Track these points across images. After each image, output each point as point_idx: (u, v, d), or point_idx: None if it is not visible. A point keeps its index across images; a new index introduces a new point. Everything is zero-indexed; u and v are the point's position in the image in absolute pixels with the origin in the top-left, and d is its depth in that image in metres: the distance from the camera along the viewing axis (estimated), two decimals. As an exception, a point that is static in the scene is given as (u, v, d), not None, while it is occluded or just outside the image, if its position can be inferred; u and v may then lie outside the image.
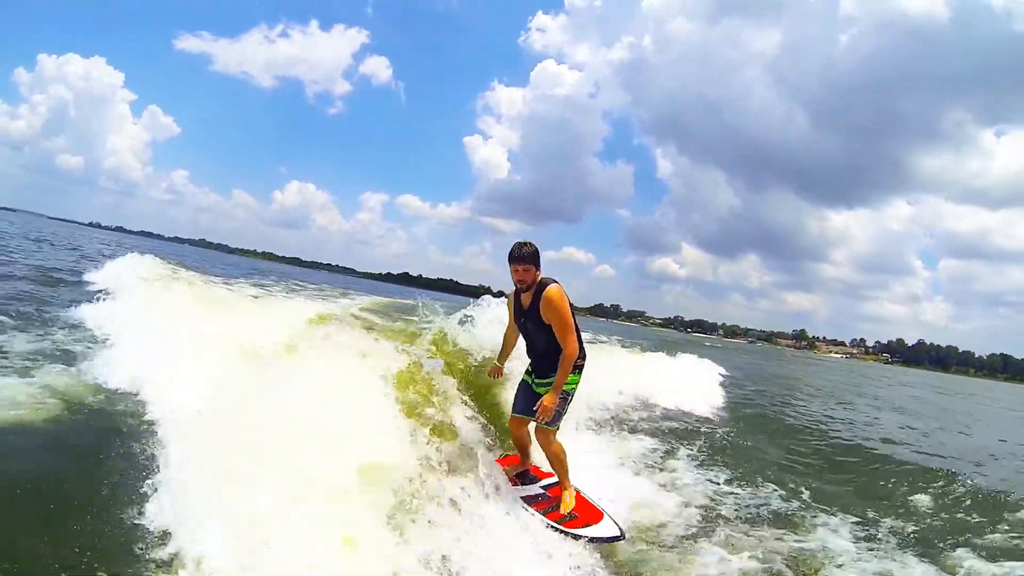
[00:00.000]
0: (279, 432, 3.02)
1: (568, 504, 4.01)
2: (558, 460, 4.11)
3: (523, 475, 4.41)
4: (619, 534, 3.84)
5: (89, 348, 5.77)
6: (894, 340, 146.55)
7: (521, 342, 4.36)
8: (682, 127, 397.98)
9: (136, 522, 2.82)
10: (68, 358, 5.31)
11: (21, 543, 2.59)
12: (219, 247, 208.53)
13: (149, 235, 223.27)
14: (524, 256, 3.79)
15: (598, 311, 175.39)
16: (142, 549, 2.63)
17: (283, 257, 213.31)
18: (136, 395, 4.65)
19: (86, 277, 11.45)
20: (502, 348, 4.50)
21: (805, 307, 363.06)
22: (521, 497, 4.07)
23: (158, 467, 3.27)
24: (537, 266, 3.85)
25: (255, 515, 2.60)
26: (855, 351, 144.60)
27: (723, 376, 13.40)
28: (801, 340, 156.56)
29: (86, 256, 19.09)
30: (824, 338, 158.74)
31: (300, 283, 23.44)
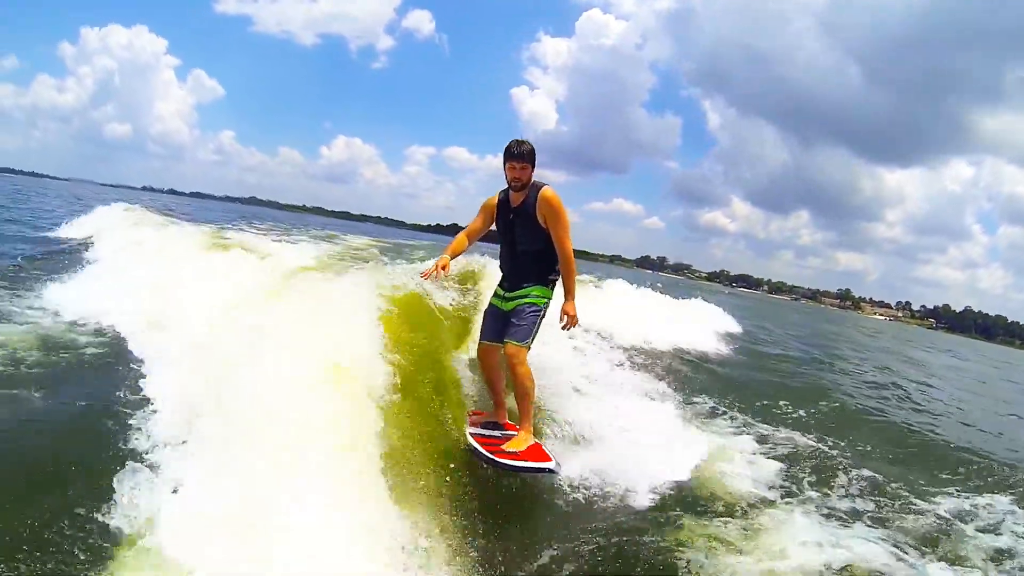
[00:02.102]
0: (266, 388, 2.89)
1: (517, 443, 3.51)
2: (524, 387, 3.65)
3: (490, 424, 3.92)
4: (551, 467, 3.39)
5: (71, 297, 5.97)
6: (940, 305, 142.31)
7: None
8: (730, 79, 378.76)
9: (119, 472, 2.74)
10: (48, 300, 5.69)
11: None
12: (269, 204, 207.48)
13: (200, 195, 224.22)
14: (523, 154, 3.61)
15: (644, 263, 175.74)
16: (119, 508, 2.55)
17: (332, 211, 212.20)
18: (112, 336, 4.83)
19: (70, 231, 12.13)
20: (454, 243, 3.92)
21: (856, 267, 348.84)
22: (470, 433, 3.64)
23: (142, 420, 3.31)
24: (533, 165, 3.67)
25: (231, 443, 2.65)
26: (900, 314, 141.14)
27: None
28: (846, 300, 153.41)
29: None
30: (870, 299, 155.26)
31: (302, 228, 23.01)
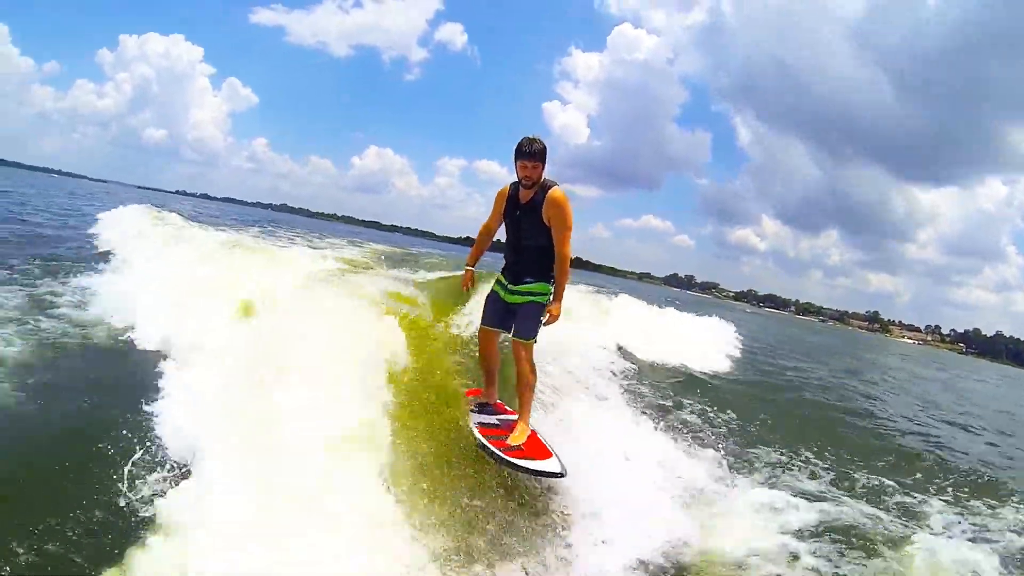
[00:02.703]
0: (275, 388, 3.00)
1: (518, 436, 3.73)
2: (528, 380, 3.85)
3: (484, 407, 4.17)
4: (560, 471, 3.49)
5: (87, 297, 5.96)
6: (971, 329, 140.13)
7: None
8: (761, 94, 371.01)
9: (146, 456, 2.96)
10: (65, 306, 5.51)
11: (27, 477, 2.70)
12: (300, 211, 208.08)
13: (232, 201, 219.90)
14: (535, 152, 3.64)
15: (672, 281, 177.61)
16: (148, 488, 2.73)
17: (362, 221, 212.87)
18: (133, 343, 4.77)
19: (89, 230, 11.70)
20: (474, 249, 4.19)
21: (887, 289, 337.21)
22: (475, 424, 3.84)
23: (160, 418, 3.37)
24: (544, 164, 3.69)
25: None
26: (929, 338, 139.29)
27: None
28: (874, 322, 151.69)
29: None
30: (900, 322, 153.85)
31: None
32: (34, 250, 8.69)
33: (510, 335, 3.92)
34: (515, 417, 3.99)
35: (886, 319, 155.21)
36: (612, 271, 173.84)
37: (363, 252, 16.44)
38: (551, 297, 3.85)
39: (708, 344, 11.73)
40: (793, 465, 5.44)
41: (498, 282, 4.05)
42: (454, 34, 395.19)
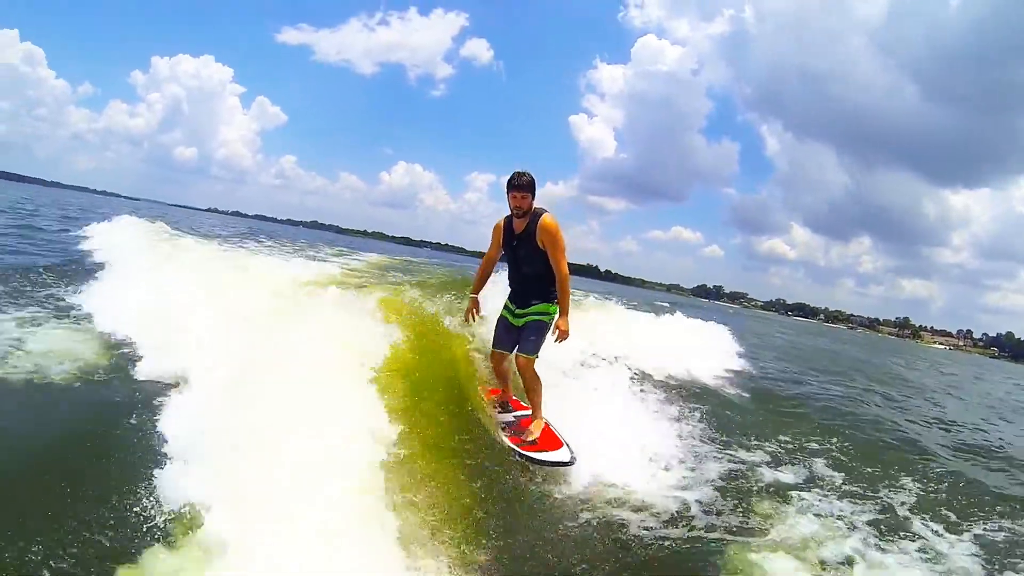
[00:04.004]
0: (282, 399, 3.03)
1: (532, 433, 4.19)
2: (534, 389, 4.25)
3: (503, 404, 4.65)
4: (569, 460, 3.93)
5: (85, 313, 5.74)
6: (1003, 333, 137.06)
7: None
8: (786, 102, 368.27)
9: (145, 487, 2.77)
10: (65, 319, 5.43)
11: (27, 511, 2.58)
12: (330, 228, 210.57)
13: (263, 218, 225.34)
14: (523, 184, 3.93)
15: (700, 292, 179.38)
16: (149, 516, 2.59)
17: (392, 237, 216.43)
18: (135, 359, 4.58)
19: (82, 240, 11.43)
20: (477, 278, 4.40)
21: (921, 295, 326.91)
22: (498, 423, 4.36)
23: (163, 436, 3.23)
24: (533, 194, 3.98)
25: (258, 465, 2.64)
26: (961, 342, 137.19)
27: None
28: (904, 328, 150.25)
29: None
30: (931, 328, 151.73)
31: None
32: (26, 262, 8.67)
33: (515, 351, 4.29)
34: (526, 412, 4.49)
35: (917, 325, 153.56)
36: (641, 283, 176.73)
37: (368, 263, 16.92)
38: (554, 316, 4.15)
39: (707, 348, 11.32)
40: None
41: (506, 307, 4.40)
42: (480, 50, 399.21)
